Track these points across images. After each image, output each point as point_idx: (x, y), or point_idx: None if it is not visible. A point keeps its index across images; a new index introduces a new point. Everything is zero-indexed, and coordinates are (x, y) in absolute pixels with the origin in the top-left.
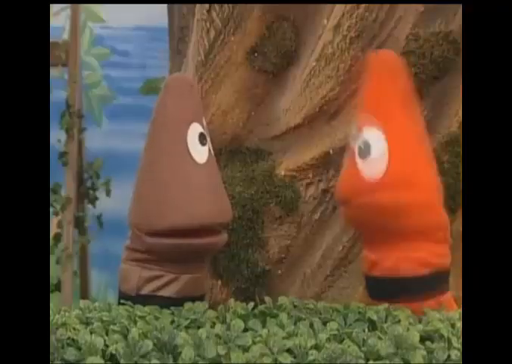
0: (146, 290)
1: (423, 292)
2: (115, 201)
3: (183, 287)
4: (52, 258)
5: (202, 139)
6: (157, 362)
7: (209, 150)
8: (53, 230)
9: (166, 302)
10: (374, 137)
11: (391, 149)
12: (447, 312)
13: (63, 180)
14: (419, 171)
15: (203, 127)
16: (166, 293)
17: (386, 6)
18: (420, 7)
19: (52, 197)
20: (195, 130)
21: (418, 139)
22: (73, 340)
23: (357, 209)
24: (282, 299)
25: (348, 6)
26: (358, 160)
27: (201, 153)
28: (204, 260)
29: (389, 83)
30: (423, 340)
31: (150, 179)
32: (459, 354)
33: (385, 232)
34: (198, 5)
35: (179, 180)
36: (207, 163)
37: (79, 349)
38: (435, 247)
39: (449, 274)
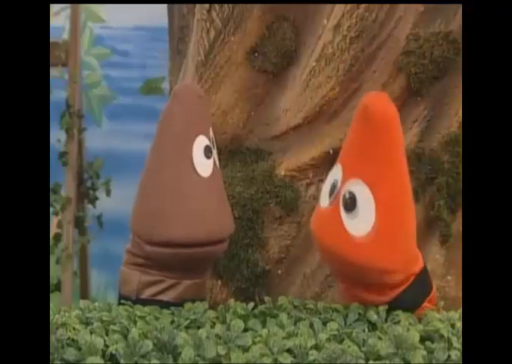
0: (146, 295)
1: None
2: (115, 201)
3: (183, 292)
4: (52, 258)
5: (207, 152)
6: (157, 362)
7: (214, 163)
8: (53, 230)
9: (166, 307)
10: (360, 191)
11: (378, 207)
12: (447, 312)
13: (63, 180)
14: (404, 231)
15: (209, 140)
16: (166, 297)
17: (386, 6)
18: (420, 7)
19: (52, 197)
20: (200, 143)
21: (403, 196)
22: (73, 340)
23: (339, 261)
24: (282, 299)
25: (348, 6)
26: (342, 212)
27: (205, 167)
28: (205, 266)
29: (380, 136)
30: (423, 340)
31: (152, 190)
32: (459, 354)
33: (359, 281)
34: (198, 5)
35: (181, 194)
36: (211, 177)
37: (79, 349)
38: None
39: (420, 282)
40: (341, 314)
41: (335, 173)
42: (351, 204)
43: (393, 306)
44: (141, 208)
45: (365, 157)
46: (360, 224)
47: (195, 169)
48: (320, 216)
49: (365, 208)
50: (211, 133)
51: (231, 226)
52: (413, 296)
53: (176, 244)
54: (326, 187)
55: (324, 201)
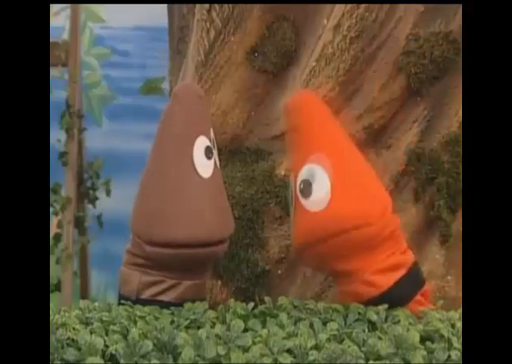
0: (146, 295)
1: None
2: (115, 201)
3: (184, 292)
4: (52, 258)
5: (208, 152)
6: (157, 362)
7: (215, 163)
8: (53, 230)
9: (166, 307)
10: (312, 173)
11: (332, 178)
12: (447, 312)
13: (63, 180)
14: (364, 187)
15: (210, 140)
16: (166, 298)
17: (386, 6)
18: (420, 7)
19: (52, 197)
20: (201, 143)
21: (357, 156)
22: (73, 340)
23: (315, 246)
24: (282, 299)
25: (348, 6)
26: (302, 200)
27: (206, 167)
28: (205, 267)
29: (317, 115)
30: (423, 340)
31: (153, 190)
32: (459, 354)
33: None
34: (198, 5)
35: (182, 195)
36: (211, 177)
37: (79, 349)
38: (381, 264)
39: (412, 275)
40: (341, 314)
41: (291, 184)
42: (306, 189)
43: (386, 298)
44: (141, 208)
45: (305, 145)
46: (319, 199)
47: (195, 170)
48: (292, 225)
49: (320, 184)
50: (212, 134)
51: (231, 226)
52: (405, 288)
53: (176, 244)
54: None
55: (291, 214)
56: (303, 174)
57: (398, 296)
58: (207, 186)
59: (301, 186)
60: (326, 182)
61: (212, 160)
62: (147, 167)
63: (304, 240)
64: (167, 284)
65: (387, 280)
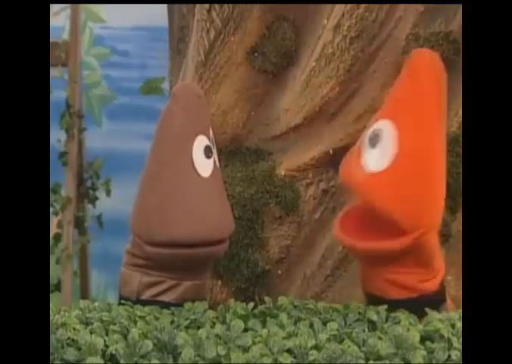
0: (146, 295)
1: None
2: (115, 201)
3: (184, 293)
4: (52, 258)
5: (208, 152)
6: (157, 362)
7: (214, 162)
8: (53, 230)
9: (166, 307)
10: (386, 129)
11: (399, 149)
12: (447, 312)
13: (63, 180)
14: (425, 177)
15: (209, 139)
16: (166, 298)
17: (386, 6)
18: (420, 7)
19: (52, 197)
20: (200, 142)
21: (431, 146)
22: (73, 340)
23: (353, 189)
24: (282, 299)
25: (348, 6)
26: (365, 149)
27: (205, 166)
28: (205, 267)
29: (418, 84)
30: (423, 340)
31: (152, 190)
32: (459, 354)
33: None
34: (198, 5)
35: (181, 194)
36: (211, 176)
37: (79, 349)
38: (422, 271)
39: (439, 295)
40: (341, 314)
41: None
42: (373, 140)
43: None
44: (141, 208)
45: (402, 104)
46: (378, 158)
47: (195, 169)
48: (347, 157)
49: (386, 145)
50: (211, 133)
51: (231, 226)
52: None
53: (176, 244)
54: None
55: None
56: (380, 124)
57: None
58: (206, 185)
59: (372, 134)
60: (392, 147)
61: (211, 159)
62: (146, 167)
63: (348, 183)
64: (167, 285)
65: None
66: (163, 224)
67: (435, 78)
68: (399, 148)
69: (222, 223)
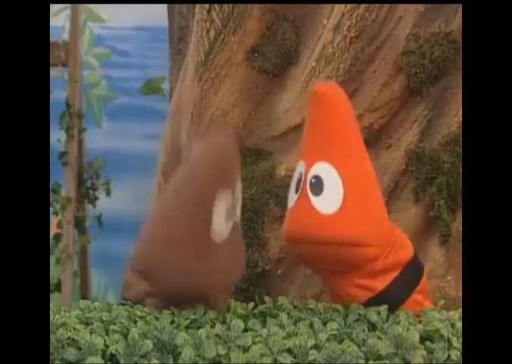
0: (146, 303)
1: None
2: (115, 201)
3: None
4: (52, 258)
5: (230, 213)
6: (157, 362)
7: (233, 223)
8: (53, 230)
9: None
10: (325, 172)
11: (345, 186)
12: (447, 312)
13: (63, 180)
14: (372, 205)
15: (233, 194)
16: (166, 306)
17: (386, 6)
18: (420, 7)
19: (52, 197)
20: (222, 203)
21: (368, 173)
22: (73, 340)
23: (312, 245)
24: (282, 299)
25: (348, 6)
26: (311, 196)
27: (222, 230)
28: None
29: (330, 116)
30: (422, 340)
31: (163, 238)
32: (459, 354)
33: (338, 264)
34: (198, 5)
35: (187, 253)
36: (227, 238)
37: (79, 349)
38: (375, 268)
39: (406, 275)
40: (341, 314)
41: (299, 168)
42: (317, 187)
43: (380, 300)
44: (149, 245)
45: (325, 139)
46: (329, 201)
47: (210, 234)
48: (290, 212)
49: (332, 187)
50: (239, 185)
51: (235, 275)
52: (398, 289)
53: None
54: (291, 188)
55: (292, 198)
56: (316, 169)
57: (392, 298)
58: (217, 250)
59: (313, 180)
60: (339, 187)
61: (231, 221)
62: (160, 205)
63: (301, 235)
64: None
65: (380, 283)
66: (166, 277)
67: (338, 101)
68: (343, 183)
69: (228, 276)
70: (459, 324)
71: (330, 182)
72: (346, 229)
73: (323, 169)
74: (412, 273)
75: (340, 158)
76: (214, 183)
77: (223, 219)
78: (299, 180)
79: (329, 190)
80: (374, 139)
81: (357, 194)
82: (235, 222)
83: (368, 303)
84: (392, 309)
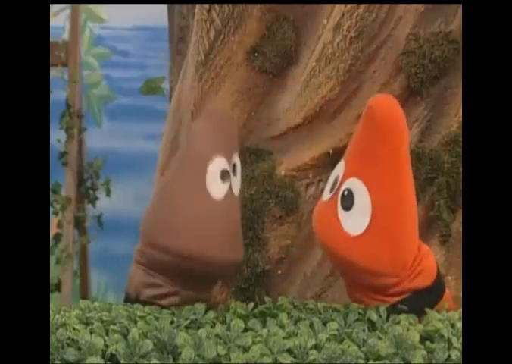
0: (145, 295)
1: None
2: (115, 201)
3: (182, 302)
4: (52, 258)
5: (224, 176)
6: (157, 362)
7: (230, 187)
8: (53, 230)
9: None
10: (358, 190)
11: (374, 208)
12: (447, 312)
13: (63, 180)
14: (400, 231)
15: (229, 162)
16: (166, 303)
17: (386, 6)
18: (420, 7)
19: (52, 197)
20: (218, 165)
21: (404, 198)
22: (73, 340)
23: (334, 257)
24: (282, 299)
25: (348, 6)
26: (340, 209)
27: (219, 189)
28: (207, 284)
29: (382, 138)
30: (423, 340)
31: (164, 200)
32: (459, 354)
33: (352, 279)
34: (198, 5)
35: (189, 212)
36: (224, 200)
37: (79, 349)
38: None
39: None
40: (341, 314)
41: (339, 169)
42: (348, 202)
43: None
44: (151, 214)
45: (367, 157)
46: (356, 222)
47: (207, 190)
48: (320, 210)
49: (361, 208)
50: (235, 155)
51: (237, 252)
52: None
53: (171, 252)
54: (329, 181)
55: (326, 194)
56: (351, 183)
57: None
58: (216, 207)
59: (345, 193)
60: (367, 210)
61: (227, 183)
62: (165, 175)
63: (323, 243)
64: (166, 290)
65: (393, 301)
66: (166, 235)
67: (394, 124)
68: (373, 207)
69: (225, 246)
70: (459, 324)
71: (360, 202)
72: (364, 257)
73: (357, 187)
74: (423, 299)
75: (376, 180)
76: (210, 148)
77: (218, 180)
78: (335, 181)
79: (358, 210)
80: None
81: (385, 220)
82: (234, 194)
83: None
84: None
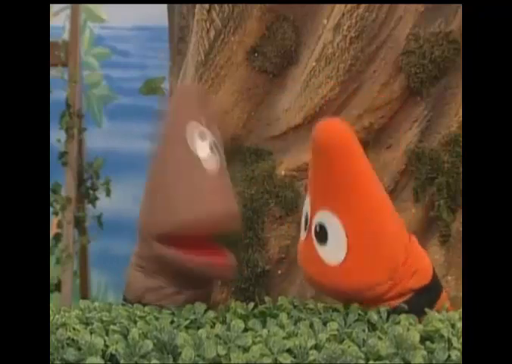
0: (147, 300)
1: None
2: (115, 201)
3: (185, 302)
4: (52, 258)
5: (202, 136)
6: (157, 362)
7: (218, 159)
8: (53, 230)
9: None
10: (329, 222)
11: (348, 235)
12: (447, 312)
13: (63, 180)
14: (380, 242)
15: (202, 126)
16: (168, 303)
17: (386, 6)
18: (420, 7)
19: (52, 197)
20: (193, 127)
21: (373, 210)
22: (73, 340)
23: (324, 290)
24: (282, 299)
25: (348, 6)
26: (316, 244)
27: (202, 148)
28: (208, 282)
29: (334, 166)
30: (423, 340)
31: (155, 182)
32: (459, 354)
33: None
34: (198, 5)
35: (183, 178)
36: (208, 158)
37: (79, 349)
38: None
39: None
40: (341, 314)
41: (306, 205)
42: (321, 236)
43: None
44: (146, 202)
45: (326, 187)
46: (334, 252)
47: (192, 152)
48: (301, 249)
49: (336, 238)
50: (215, 129)
51: (236, 217)
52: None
53: (182, 232)
54: (302, 219)
55: (302, 233)
56: (320, 216)
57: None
58: (205, 165)
59: (317, 228)
60: (342, 238)
61: (207, 141)
62: (150, 164)
63: (311, 281)
64: (169, 291)
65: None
66: (167, 212)
67: (337, 146)
68: (347, 232)
69: (223, 202)
70: (459, 325)
71: (333, 232)
72: (354, 280)
73: (326, 218)
74: (422, 299)
75: (343, 206)
76: (183, 115)
77: (202, 147)
78: (306, 219)
79: (333, 240)
80: (374, 139)
81: (362, 240)
82: (222, 163)
83: None
84: None
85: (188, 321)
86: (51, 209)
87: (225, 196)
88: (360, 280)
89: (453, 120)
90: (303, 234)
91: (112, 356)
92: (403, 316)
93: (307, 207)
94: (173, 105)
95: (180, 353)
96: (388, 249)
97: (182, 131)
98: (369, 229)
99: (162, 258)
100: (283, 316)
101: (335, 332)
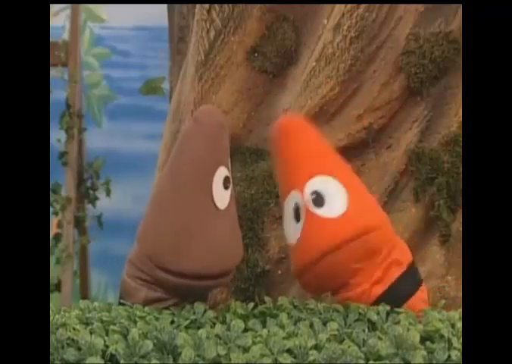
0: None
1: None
2: (115, 201)
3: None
4: (52, 258)
5: (226, 183)
6: (157, 362)
7: (231, 193)
8: (53, 230)
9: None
10: (326, 185)
11: (349, 191)
12: (447, 312)
13: (63, 180)
14: (374, 201)
15: (228, 169)
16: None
17: (386, 6)
18: (420, 7)
19: (52, 197)
20: (220, 174)
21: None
22: (73, 340)
23: (328, 257)
24: (282, 299)
25: (348, 6)
26: (317, 211)
27: (223, 198)
28: (210, 291)
29: (307, 133)
30: (423, 340)
31: (168, 216)
32: (459, 354)
33: (356, 260)
34: (198, 5)
35: (198, 227)
36: (227, 208)
37: (79, 349)
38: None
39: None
40: (341, 314)
41: (291, 199)
42: (320, 198)
43: (388, 296)
44: (155, 232)
45: (307, 159)
46: (334, 208)
47: (213, 202)
48: (298, 243)
49: (336, 196)
50: (229, 163)
51: (241, 255)
52: (406, 285)
53: (187, 275)
54: (289, 213)
55: (293, 231)
56: (313, 185)
57: (401, 291)
58: (222, 217)
59: (313, 196)
60: (342, 192)
61: (229, 190)
62: (161, 188)
63: (318, 248)
64: (172, 302)
65: (391, 277)
66: (177, 254)
67: (305, 124)
68: (349, 190)
69: (233, 255)
70: (459, 324)
71: (332, 191)
72: (359, 221)
73: (319, 183)
74: (416, 270)
75: (330, 167)
76: (212, 160)
77: (222, 189)
78: (297, 209)
79: (332, 199)
80: (374, 139)
81: (360, 193)
82: (231, 195)
83: (379, 300)
84: (400, 304)
85: (188, 321)
86: (51, 209)
87: (237, 243)
88: (364, 220)
89: (453, 120)
90: (295, 230)
91: (112, 356)
92: (403, 316)
93: (294, 198)
94: (203, 143)
95: (180, 353)
96: (373, 199)
97: (210, 180)
98: (362, 185)
99: (165, 281)
100: (283, 316)
101: (335, 332)
